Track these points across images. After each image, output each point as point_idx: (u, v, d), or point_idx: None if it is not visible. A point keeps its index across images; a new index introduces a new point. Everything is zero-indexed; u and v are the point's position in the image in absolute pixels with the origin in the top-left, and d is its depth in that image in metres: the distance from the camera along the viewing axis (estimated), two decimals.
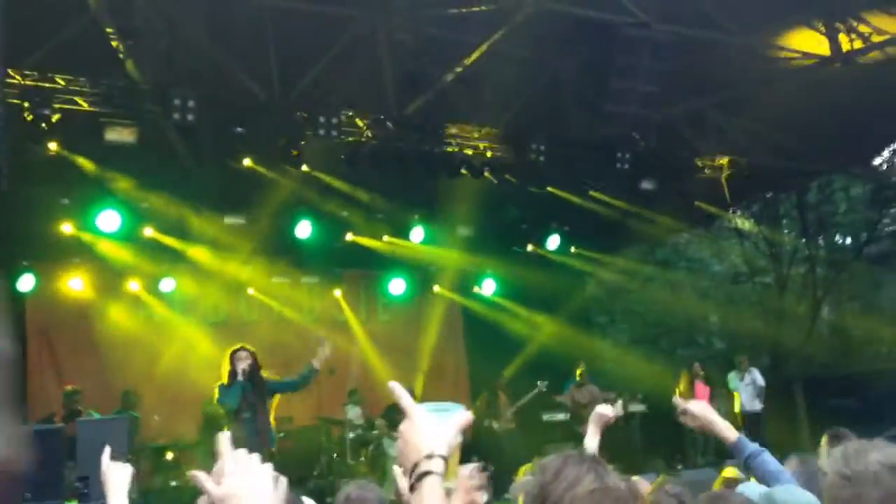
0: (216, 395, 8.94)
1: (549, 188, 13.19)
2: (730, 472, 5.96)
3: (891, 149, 17.92)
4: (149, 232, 12.29)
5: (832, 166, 15.62)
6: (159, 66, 9.97)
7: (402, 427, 1.88)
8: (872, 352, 17.92)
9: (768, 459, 3.50)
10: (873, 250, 19.29)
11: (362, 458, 12.35)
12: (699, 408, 3.70)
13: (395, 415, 12.47)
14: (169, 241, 12.52)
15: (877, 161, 18.05)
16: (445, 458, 1.81)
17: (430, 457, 1.80)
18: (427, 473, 1.79)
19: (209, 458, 9.49)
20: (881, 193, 19.08)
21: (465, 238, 14.65)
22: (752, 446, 3.56)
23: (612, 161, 12.23)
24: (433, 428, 1.85)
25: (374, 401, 13.38)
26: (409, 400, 1.89)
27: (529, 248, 15.58)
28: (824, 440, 5.67)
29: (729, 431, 3.60)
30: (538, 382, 13.87)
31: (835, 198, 19.70)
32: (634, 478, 5.85)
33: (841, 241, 20.49)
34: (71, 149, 10.15)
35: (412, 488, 1.79)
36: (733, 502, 2.98)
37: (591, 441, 4.56)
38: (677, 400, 3.80)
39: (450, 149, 11.78)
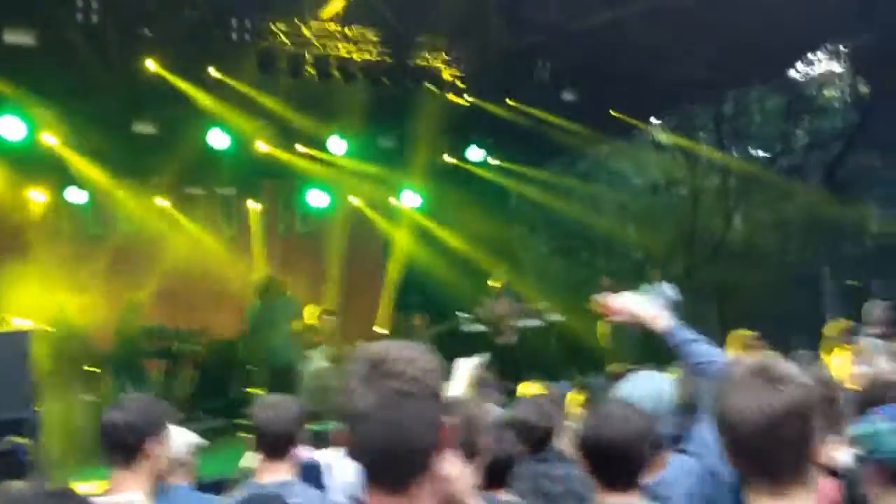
0: None
1: (468, 98, 13.02)
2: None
3: (806, 61, 18.20)
4: (53, 140, 11.75)
5: (749, 78, 15.79)
6: None
7: None
8: (779, 261, 18.47)
9: (692, 351, 3.14)
10: (785, 163, 19.72)
11: None
12: (620, 302, 3.33)
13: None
14: (75, 149, 12.01)
15: (792, 73, 18.32)
16: None
17: None
18: None
19: (120, 375, 9.50)
20: (795, 106, 19.43)
21: (384, 149, 14.44)
22: (682, 336, 3.17)
23: (532, 70, 12.16)
24: None
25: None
26: None
27: (448, 159, 15.47)
28: (736, 342, 5.86)
29: (658, 321, 3.21)
30: (457, 313, 14.00)
31: (750, 110, 19.99)
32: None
33: (755, 152, 20.88)
34: None
35: None
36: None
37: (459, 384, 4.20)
38: (596, 299, 3.47)
39: (357, 55, 11.50)
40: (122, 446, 3.27)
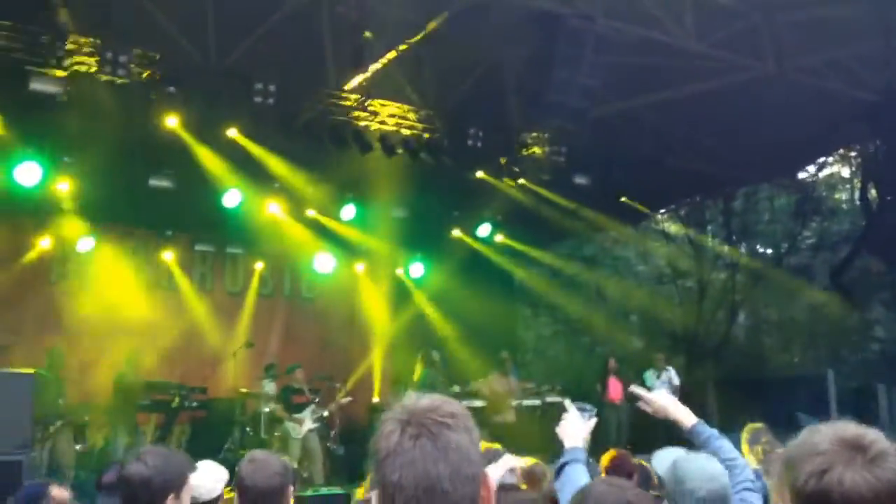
0: None
1: (481, 174, 13.15)
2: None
3: (816, 163, 18.40)
4: (66, 187, 11.83)
5: (760, 176, 15.95)
6: (95, 18, 9.65)
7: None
8: (783, 360, 18.40)
9: (722, 446, 3.40)
10: (792, 261, 19.78)
11: (276, 433, 12.16)
12: (655, 397, 3.63)
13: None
14: (90, 198, 12.06)
15: (802, 175, 18.51)
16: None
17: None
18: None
19: (120, 424, 9.35)
20: (804, 206, 19.58)
21: (396, 220, 14.47)
22: (708, 432, 3.45)
23: (548, 153, 12.33)
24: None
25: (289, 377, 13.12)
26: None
27: (458, 233, 15.53)
28: (744, 436, 5.82)
29: (686, 417, 3.50)
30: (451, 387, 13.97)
31: (759, 207, 20.15)
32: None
33: (762, 249, 20.96)
34: None
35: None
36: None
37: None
38: (634, 388, 3.71)
39: (385, 127, 11.68)
40: (139, 501, 3.22)
